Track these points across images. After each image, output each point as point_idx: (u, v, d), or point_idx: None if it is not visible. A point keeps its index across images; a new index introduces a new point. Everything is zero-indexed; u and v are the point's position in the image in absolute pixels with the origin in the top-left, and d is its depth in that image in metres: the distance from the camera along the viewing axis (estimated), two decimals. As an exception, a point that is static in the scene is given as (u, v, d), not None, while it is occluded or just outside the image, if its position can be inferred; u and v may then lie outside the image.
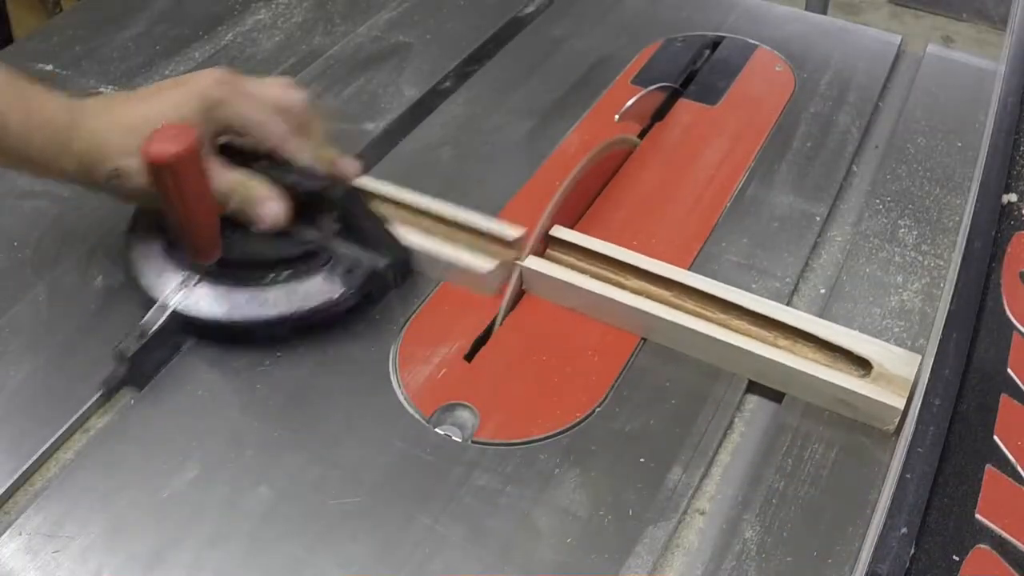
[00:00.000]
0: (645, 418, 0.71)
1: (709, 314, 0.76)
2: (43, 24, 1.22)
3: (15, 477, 0.67)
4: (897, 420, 0.69)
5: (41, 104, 0.71)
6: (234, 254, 0.72)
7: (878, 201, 0.90)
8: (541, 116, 1.00)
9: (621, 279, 0.79)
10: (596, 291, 0.77)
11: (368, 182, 0.81)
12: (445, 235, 0.81)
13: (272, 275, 0.73)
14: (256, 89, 0.75)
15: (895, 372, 0.70)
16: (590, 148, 0.86)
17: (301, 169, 0.74)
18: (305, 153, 0.75)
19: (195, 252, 0.71)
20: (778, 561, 0.63)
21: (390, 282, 0.76)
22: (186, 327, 0.73)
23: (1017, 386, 0.65)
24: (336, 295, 0.73)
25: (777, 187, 0.91)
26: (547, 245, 0.82)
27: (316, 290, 0.73)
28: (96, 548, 0.63)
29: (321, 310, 0.73)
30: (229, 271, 0.73)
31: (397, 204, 0.82)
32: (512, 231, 0.79)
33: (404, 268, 0.78)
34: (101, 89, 1.03)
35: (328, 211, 0.75)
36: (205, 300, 0.72)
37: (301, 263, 0.73)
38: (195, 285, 0.72)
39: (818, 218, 0.88)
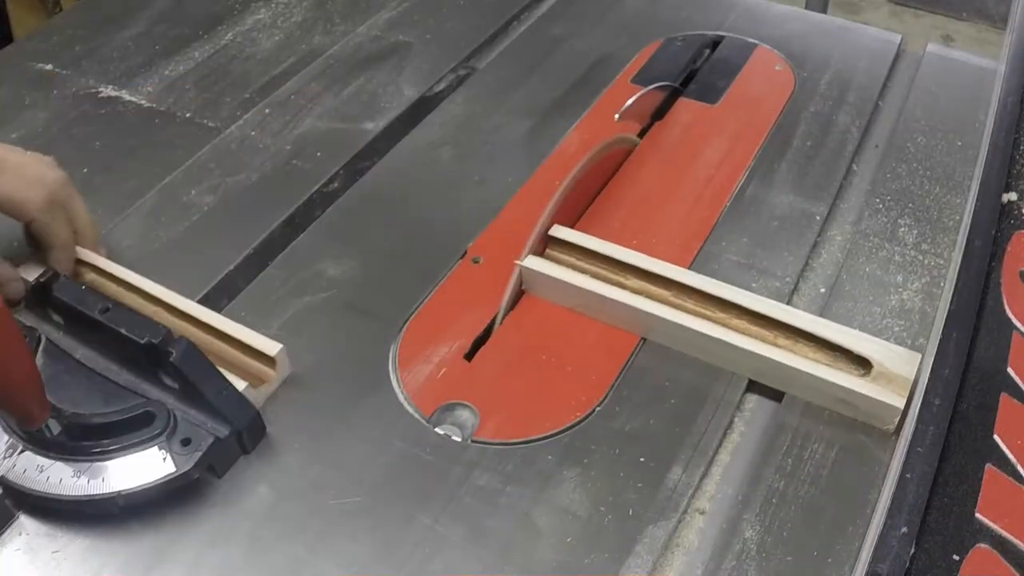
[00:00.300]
0: (645, 418, 0.71)
1: (709, 314, 0.76)
2: (43, 24, 1.22)
3: None
4: (897, 420, 0.69)
5: None
6: (63, 418, 0.65)
7: (878, 200, 0.90)
8: (541, 116, 1.00)
9: (621, 279, 0.79)
10: (596, 291, 0.77)
11: (129, 275, 0.76)
12: (205, 344, 0.72)
13: (103, 444, 0.64)
14: (17, 163, 0.75)
15: (895, 371, 0.70)
16: (590, 148, 0.86)
17: (137, 319, 0.67)
18: (59, 233, 0.75)
19: (16, 416, 0.62)
20: (778, 561, 0.63)
21: (236, 450, 0.68)
22: (14, 496, 0.65)
23: (1017, 386, 0.65)
24: (172, 471, 0.64)
25: (777, 186, 0.91)
26: (547, 245, 0.82)
27: (150, 465, 0.64)
28: (96, 548, 0.63)
29: (155, 488, 0.64)
30: (56, 439, 0.65)
31: (160, 303, 0.75)
32: (273, 347, 0.71)
33: (252, 431, 0.68)
34: (101, 89, 1.03)
35: (166, 366, 0.65)
36: (30, 471, 0.64)
37: (135, 430, 0.65)
38: (19, 454, 0.64)
39: (818, 217, 0.88)
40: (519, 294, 0.80)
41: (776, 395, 0.73)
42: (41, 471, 0.64)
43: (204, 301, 0.80)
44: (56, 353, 0.69)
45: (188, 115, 1.00)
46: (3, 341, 0.56)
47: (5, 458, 0.64)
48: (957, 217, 0.87)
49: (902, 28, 2.63)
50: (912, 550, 0.55)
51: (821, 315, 0.77)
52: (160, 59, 1.08)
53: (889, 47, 1.09)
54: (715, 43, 1.10)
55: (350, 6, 1.17)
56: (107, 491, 0.63)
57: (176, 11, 1.16)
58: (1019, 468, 0.60)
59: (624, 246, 0.80)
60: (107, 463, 0.64)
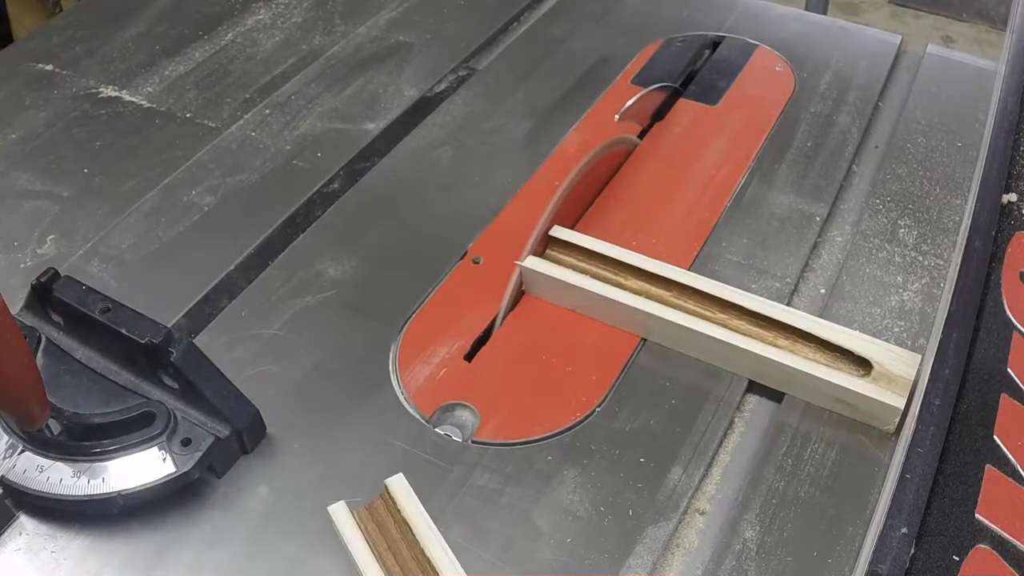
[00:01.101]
0: (645, 418, 0.71)
1: (709, 314, 0.76)
2: (43, 24, 1.22)
3: None
4: (897, 420, 0.69)
5: None
6: (63, 418, 0.65)
7: (878, 201, 0.90)
8: (541, 116, 1.00)
9: (621, 279, 0.79)
10: (596, 291, 0.77)
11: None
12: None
13: (103, 444, 0.64)
14: None
15: (895, 372, 0.70)
16: (590, 148, 0.86)
17: (137, 319, 0.66)
18: None
19: (17, 417, 0.62)
20: (778, 561, 0.63)
21: (236, 450, 0.68)
22: (14, 496, 0.65)
23: (1017, 386, 0.65)
24: (172, 471, 0.63)
25: (777, 187, 0.91)
26: (547, 245, 0.82)
27: (150, 465, 0.64)
28: (96, 548, 0.63)
29: (155, 488, 0.63)
30: (56, 439, 0.65)
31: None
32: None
33: (253, 431, 0.68)
34: (101, 89, 1.03)
35: (166, 366, 0.65)
36: (30, 471, 0.63)
37: (135, 430, 0.65)
38: (19, 454, 0.64)
39: (818, 218, 0.88)
40: (519, 294, 0.80)
41: (776, 395, 0.73)
42: (41, 471, 0.63)
43: (204, 301, 0.80)
44: (56, 353, 0.69)
45: (188, 115, 1.00)
46: (3, 341, 0.56)
47: (5, 458, 0.64)
48: (957, 218, 0.87)
49: (902, 29, 2.63)
50: (912, 551, 0.55)
51: (821, 316, 0.77)
52: (160, 59, 1.08)
53: (889, 48, 1.09)
54: (715, 44, 1.10)
55: (350, 7, 1.17)
56: (107, 491, 0.63)
57: (176, 11, 1.16)
58: (1019, 469, 0.60)
59: (624, 247, 0.80)
60: (107, 463, 0.64)
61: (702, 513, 0.67)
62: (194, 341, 0.67)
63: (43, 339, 0.69)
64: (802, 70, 1.06)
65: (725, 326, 0.74)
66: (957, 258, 0.74)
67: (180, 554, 0.63)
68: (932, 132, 0.97)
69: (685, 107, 1.01)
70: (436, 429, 0.71)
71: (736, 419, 0.73)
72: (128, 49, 1.09)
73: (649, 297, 0.77)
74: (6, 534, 0.64)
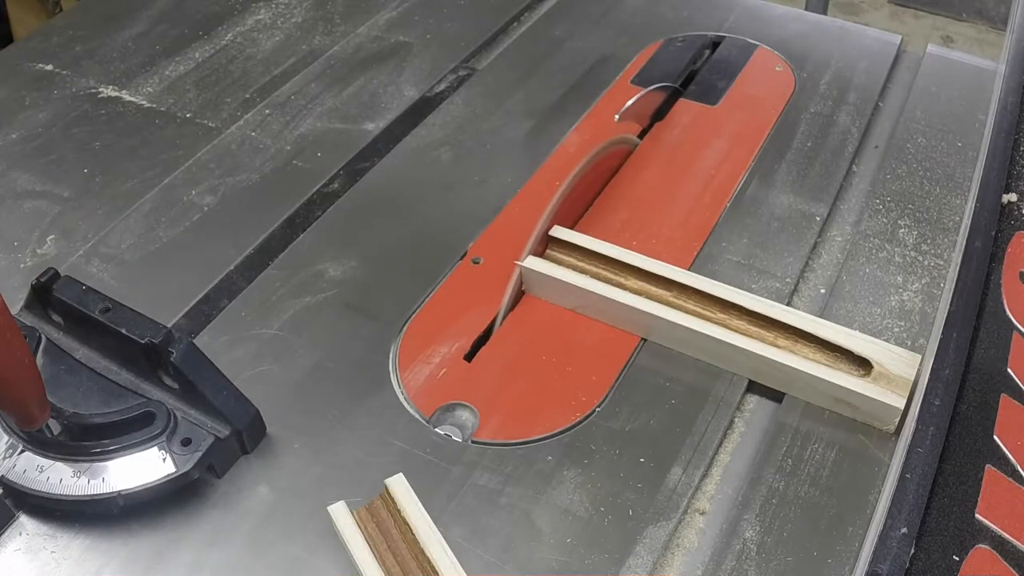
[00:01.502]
0: (645, 418, 0.71)
1: (709, 314, 0.76)
2: (43, 24, 1.22)
3: None
4: (897, 420, 0.69)
5: None
6: (63, 418, 0.65)
7: (878, 201, 0.90)
8: (541, 117, 1.00)
9: (621, 279, 0.79)
10: (596, 291, 0.77)
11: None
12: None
13: (103, 444, 0.64)
14: None
15: (895, 372, 0.70)
16: (590, 148, 0.86)
17: (137, 319, 0.66)
18: None
19: (17, 417, 0.62)
20: (778, 561, 0.63)
21: (236, 450, 0.68)
22: (14, 496, 0.65)
23: (1017, 386, 0.65)
24: (172, 471, 0.63)
25: (777, 187, 0.91)
26: (547, 245, 0.82)
27: (150, 465, 0.64)
28: (96, 548, 0.63)
29: (155, 488, 0.63)
30: (56, 439, 0.65)
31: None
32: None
33: (253, 431, 0.68)
34: (101, 89, 1.03)
35: (166, 366, 0.65)
36: (30, 471, 0.63)
37: (135, 430, 0.64)
38: (19, 454, 0.64)
39: (818, 218, 0.88)
40: (519, 294, 0.80)
41: (776, 395, 0.73)
42: (41, 471, 0.63)
43: (204, 301, 0.80)
44: (56, 353, 0.69)
45: (188, 115, 1.00)
46: (3, 341, 0.56)
47: (5, 458, 0.64)
48: (957, 218, 0.87)
49: (902, 29, 2.63)
50: (912, 550, 0.55)
51: (821, 316, 0.77)
52: (160, 59, 1.08)
53: (889, 48, 1.09)
54: (715, 44, 1.10)
55: (350, 7, 1.17)
56: (107, 491, 0.63)
57: (176, 11, 1.16)
58: (1019, 469, 0.60)
59: (624, 247, 0.80)
60: (107, 463, 0.64)
61: (702, 513, 0.67)
62: (194, 341, 0.67)
63: (43, 339, 0.69)
64: (802, 70, 1.06)
65: (725, 326, 0.74)
66: (957, 258, 0.74)
67: (180, 554, 0.63)
68: (932, 132, 0.97)
69: (685, 107, 1.01)
70: (436, 429, 0.71)
71: (736, 419, 0.73)
72: (128, 49, 1.09)
73: (649, 297, 0.77)
74: (6, 534, 0.64)
